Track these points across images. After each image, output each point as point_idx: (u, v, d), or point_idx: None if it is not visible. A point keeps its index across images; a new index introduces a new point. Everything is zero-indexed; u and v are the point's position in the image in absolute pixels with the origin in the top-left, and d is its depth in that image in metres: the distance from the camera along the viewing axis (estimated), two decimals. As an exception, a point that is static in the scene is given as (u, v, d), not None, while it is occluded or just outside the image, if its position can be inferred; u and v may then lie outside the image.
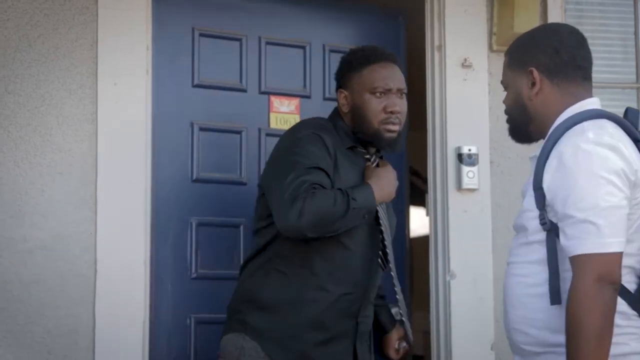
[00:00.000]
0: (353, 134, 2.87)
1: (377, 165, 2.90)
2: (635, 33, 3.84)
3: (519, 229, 2.22)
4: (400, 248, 3.58)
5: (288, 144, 2.77)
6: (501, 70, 2.34)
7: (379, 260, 2.85)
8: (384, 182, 2.80)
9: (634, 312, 2.09)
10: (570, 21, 3.66)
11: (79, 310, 3.12)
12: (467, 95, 3.54)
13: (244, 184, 3.38)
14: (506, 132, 2.34)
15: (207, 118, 3.38)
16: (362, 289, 2.81)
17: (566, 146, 2.09)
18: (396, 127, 2.82)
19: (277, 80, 3.49)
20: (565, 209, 2.04)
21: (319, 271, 2.74)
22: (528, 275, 2.15)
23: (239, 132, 3.41)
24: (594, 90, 2.28)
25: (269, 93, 3.48)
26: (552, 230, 2.10)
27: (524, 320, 2.14)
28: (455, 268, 3.45)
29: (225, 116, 3.41)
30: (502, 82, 2.35)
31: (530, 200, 2.15)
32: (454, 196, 3.48)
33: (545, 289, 2.09)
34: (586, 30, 2.31)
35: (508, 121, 2.33)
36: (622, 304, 2.07)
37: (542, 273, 2.10)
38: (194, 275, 3.31)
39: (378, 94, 2.80)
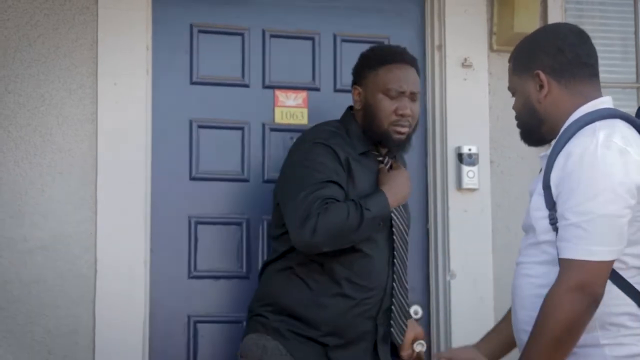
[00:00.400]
0: (364, 133, 2.87)
1: (391, 167, 2.91)
2: (635, 33, 3.84)
3: (528, 229, 2.21)
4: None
5: (299, 158, 2.80)
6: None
7: (395, 261, 2.87)
8: (398, 187, 2.81)
9: None
10: (571, 21, 3.66)
11: (79, 310, 3.12)
12: (467, 95, 3.53)
13: (247, 180, 3.37)
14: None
15: (208, 115, 3.37)
16: (382, 292, 2.83)
17: (575, 147, 2.07)
18: (405, 130, 2.83)
19: (283, 73, 3.46)
20: (563, 210, 2.04)
21: (339, 278, 2.79)
22: (538, 276, 2.14)
23: (241, 128, 3.40)
24: (595, 90, 2.28)
25: (273, 87, 3.45)
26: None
27: (532, 321, 2.14)
28: (455, 268, 3.45)
29: (227, 112, 3.39)
30: (509, 89, 2.34)
31: (538, 200, 2.14)
32: (454, 196, 3.48)
33: None
34: (586, 30, 2.30)
35: (519, 126, 2.32)
36: (631, 306, 2.06)
37: (551, 273, 2.09)
38: (194, 274, 3.30)
39: (391, 96, 2.81)
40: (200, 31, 3.40)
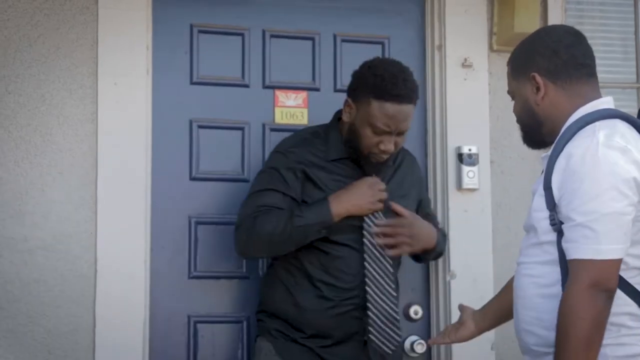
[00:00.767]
0: (344, 143, 2.89)
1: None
2: (636, 33, 3.84)
3: (529, 229, 2.22)
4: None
5: (262, 167, 3.00)
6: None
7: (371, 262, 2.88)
8: (351, 195, 2.82)
9: None
10: (571, 21, 3.66)
11: (79, 310, 3.12)
12: (467, 95, 3.53)
13: (247, 180, 3.37)
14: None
15: (208, 115, 3.37)
16: (362, 293, 2.83)
17: (576, 147, 2.08)
18: (384, 158, 2.86)
19: (283, 73, 3.46)
20: (568, 211, 2.04)
21: (315, 280, 2.87)
22: (540, 276, 2.14)
23: (241, 129, 3.40)
24: (595, 90, 2.28)
25: (273, 87, 3.45)
26: (562, 231, 2.09)
27: (535, 321, 2.14)
28: (455, 268, 3.45)
29: (228, 113, 3.39)
30: (508, 92, 2.35)
31: (540, 200, 2.14)
32: (454, 196, 3.48)
33: (557, 289, 2.09)
34: (586, 30, 2.31)
35: (520, 129, 2.33)
36: (632, 306, 2.07)
37: (553, 274, 2.10)
38: (194, 274, 3.30)
39: (377, 132, 2.80)
40: (200, 31, 3.40)
